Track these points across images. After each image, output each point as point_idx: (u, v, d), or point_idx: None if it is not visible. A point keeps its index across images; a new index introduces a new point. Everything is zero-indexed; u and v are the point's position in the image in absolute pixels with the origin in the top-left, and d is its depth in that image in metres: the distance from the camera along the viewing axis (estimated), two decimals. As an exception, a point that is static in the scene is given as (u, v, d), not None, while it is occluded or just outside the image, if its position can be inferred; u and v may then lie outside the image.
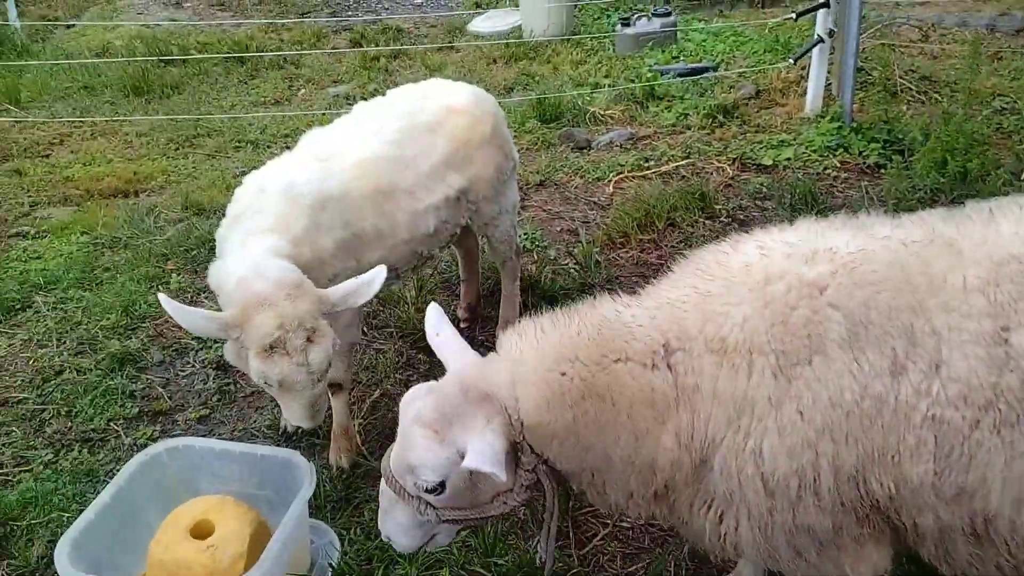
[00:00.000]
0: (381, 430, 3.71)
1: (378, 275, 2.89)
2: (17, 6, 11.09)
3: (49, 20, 12.45)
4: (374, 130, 3.42)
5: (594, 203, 5.72)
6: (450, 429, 2.05)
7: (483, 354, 2.23)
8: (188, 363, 4.29)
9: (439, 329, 2.35)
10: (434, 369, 4.08)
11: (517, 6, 10.53)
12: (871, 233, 2.05)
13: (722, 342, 1.98)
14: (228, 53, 9.89)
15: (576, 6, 10.46)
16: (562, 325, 2.14)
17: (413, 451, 2.06)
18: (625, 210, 5.29)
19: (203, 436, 3.70)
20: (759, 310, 1.97)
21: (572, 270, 4.82)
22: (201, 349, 4.38)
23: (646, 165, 6.24)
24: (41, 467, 3.55)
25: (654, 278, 4.72)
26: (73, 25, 12.23)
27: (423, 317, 4.17)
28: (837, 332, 1.90)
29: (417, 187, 3.41)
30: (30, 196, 6.54)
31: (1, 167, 7.32)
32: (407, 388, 4.12)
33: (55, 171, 7.09)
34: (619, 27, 9.20)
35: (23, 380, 4.15)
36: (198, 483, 2.96)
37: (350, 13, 12.16)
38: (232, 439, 3.66)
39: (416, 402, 2.13)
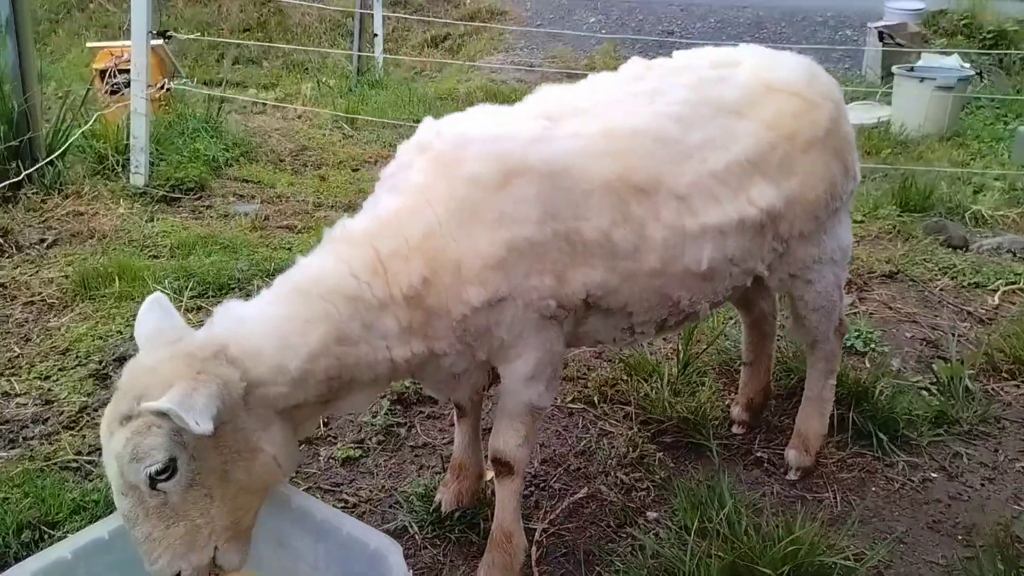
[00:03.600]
0: (570, 550, 2.41)
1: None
2: (385, 52, 11.70)
3: (416, 71, 13.26)
4: (647, 92, 2.22)
5: (968, 313, 3.98)
6: None
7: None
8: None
9: None
10: (681, 476, 2.71)
11: (889, 102, 9.12)
12: None
13: None
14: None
15: (964, 107, 8.78)
16: None
17: None
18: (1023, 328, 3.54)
19: (342, 482, 2.69)
20: None
21: (928, 391, 3.19)
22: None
23: (1055, 281, 4.37)
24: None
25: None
26: (434, 77, 12.88)
27: (681, 402, 2.79)
28: None
29: (697, 192, 2.13)
30: (318, 199, 6.34)
31: (313, 171, 7.34)
32: (629, 495, 2.85)
33: (354, 183, 6.95)
34: (1022, 130, 7.37)
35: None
36: (256, 546, 1.86)
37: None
38: (367, 500, 2.60)
39: None
